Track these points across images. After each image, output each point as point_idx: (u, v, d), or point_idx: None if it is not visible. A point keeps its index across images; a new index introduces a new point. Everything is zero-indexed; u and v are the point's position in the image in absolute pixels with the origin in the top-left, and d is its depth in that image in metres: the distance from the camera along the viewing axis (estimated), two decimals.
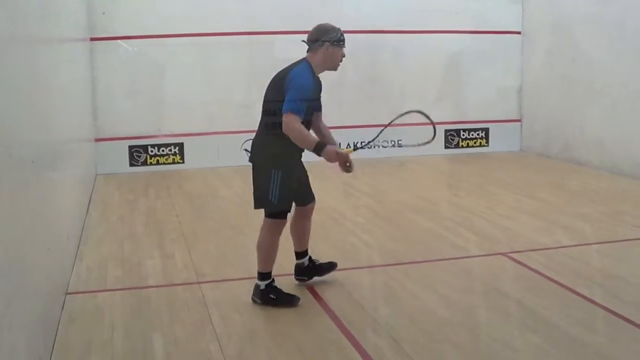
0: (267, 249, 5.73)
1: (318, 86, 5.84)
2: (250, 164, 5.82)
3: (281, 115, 5.47)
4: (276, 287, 5.77)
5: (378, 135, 5.96)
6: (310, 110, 5.66)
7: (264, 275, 5.73)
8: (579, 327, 5.25)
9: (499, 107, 13.90)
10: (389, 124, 5.98)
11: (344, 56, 5.77)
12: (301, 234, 6.12)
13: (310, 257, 6.24)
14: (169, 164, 12.28)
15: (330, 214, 8.70)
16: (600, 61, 11.56)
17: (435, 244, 7.47)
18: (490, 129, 13.87)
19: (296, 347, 4.96)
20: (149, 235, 7.98)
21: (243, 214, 8.87)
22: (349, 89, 12.48)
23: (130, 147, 12.11)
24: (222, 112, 12.41)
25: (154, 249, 7.41)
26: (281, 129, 5.47)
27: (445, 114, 12.75)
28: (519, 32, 13.76)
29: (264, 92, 5.82)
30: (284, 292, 5.78)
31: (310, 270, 6.22)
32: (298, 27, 12.36)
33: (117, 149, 12.03)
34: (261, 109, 5.83)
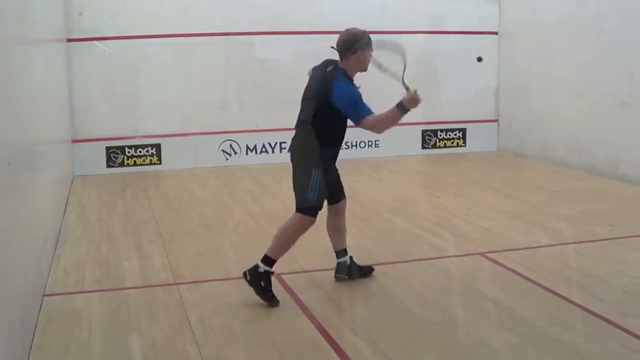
0: (286, 241, 5.84)
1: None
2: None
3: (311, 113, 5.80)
4: (270, 280, 5.79)
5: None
6: None
7: (270, 261, 5.78)
8: (556, 326, 5.27)
9: (476, 108, 13.97)
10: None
11: (371, 56, 5.95)
12: (337, 231, 6.29)
13: (351, 257, 6.32)
14: (146, 165, 12.23)
15: None
16: (578, 61, 11.64)
17: (413, 245, 7.48)
18: (467, 129, 13.93)
19: (274, 348, 4.95)
20: (126, 237, 7.94)
21: (220, 215, 8.90)
22: None
23: (108, 149, 12.05)
24: (198, 113, 12.39)
25: (132, 251, 7.37)
26: (315, 126, 5.78)
27: (423, 114, 12.78)
28: (496, 33, 13.83)
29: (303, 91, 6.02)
30: (271, 290, 5.79)
31: (351, 269, 6.28)
32: (274, 27, 12.45)
33: (94, 150, 11.96)
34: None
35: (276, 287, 5.95)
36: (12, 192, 4.80)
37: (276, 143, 12.72)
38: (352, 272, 6.28)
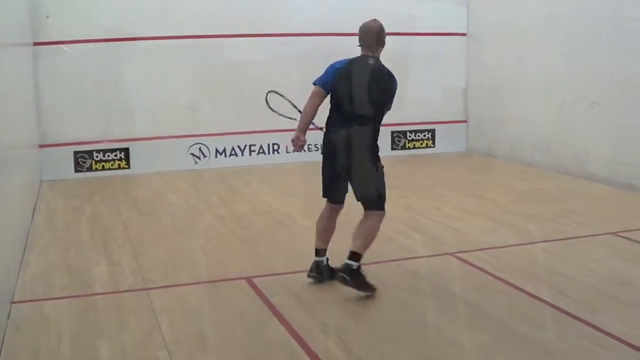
0: (374, 237, 6.04)
1: None
2: None
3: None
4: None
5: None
6: None
7: (358, 257, 5.96)
8: (526, 325, 5.31)
9: (445, 109, 14.05)
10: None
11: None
12: (330, 230, 6.45)
13: (327, 258, 6.40)
14: (114, 169, 12.14)
15: (278, 217, 8.71)
16: (547, 62, 11.74)
17: (383, 246, 7.45)
18: (436, 130, 14.00)
19: (246, 352, 4.94)
20: (95, 242, 7.88)
21: (190, 218, 8.85)
22: (295, 91, 12.46)
23: (75, 153, 11.95)
24: (167, 116, 12.32)
25: (101, 256, 7.31)
26: (376, 124, 6.04)
27: (392, 116, 12.70)
28: (464, 34, 13.91)
29: (358, 90, 6.04)
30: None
31: (324, 270, 6.35)
32: (245, 30, 12.42)
33: (62, 155, 11.86)
34: (361, 107, 6.01)
35: (246, 291, 5.94)
36: None
37: (245, 146, 12.70)
38: (323, 273, 6.29)
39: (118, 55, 12.04)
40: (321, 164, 6.22)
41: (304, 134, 6.10)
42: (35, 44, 11.51)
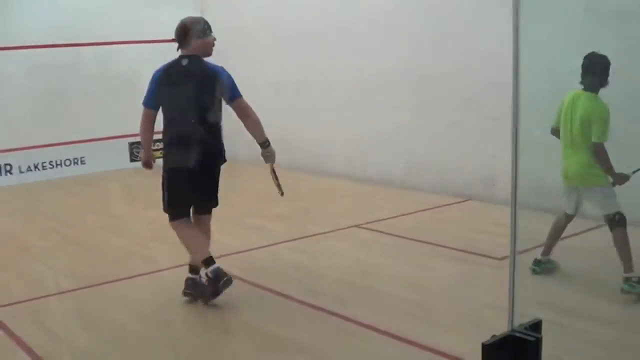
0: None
1: None
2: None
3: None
4: None
5: None
6: None
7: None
8: (279, 324, 5.33)
9: None
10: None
11: None
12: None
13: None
14: None
15: (14, 242, 8.17)
16: (279, 62, 12.01)
17: (128, 261, 7.22)
18: None
19: None
20: None
21: None
22: (32, 105, 11.93)
23: None
24: None
25: None
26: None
27: (129, 127, 12.47)
28: None
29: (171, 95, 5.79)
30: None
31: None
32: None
33: None
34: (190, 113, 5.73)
35: None
36: None
37: None
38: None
39: None
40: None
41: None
42: None
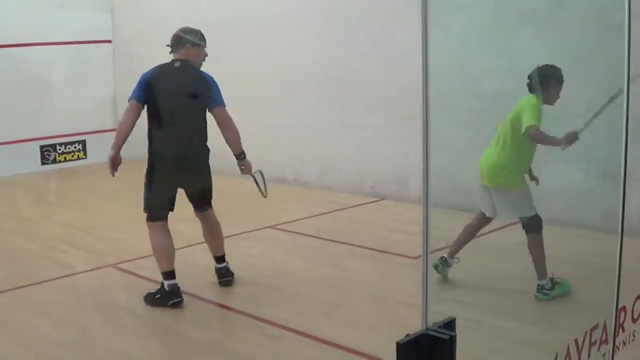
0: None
1: None
2: None
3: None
4: None
5: None
6: None
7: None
8: (194, 325, 5.31)
9: (95, 118, 13.57)
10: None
11: None
12: None
13: None
14: None
15: None
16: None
17: (39, 265, 7.05)
18: (87, 141, 13.53)
19: None
20: None
21: None
22: None
23: None
24: None
25: None
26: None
27: (40, 129, 12.27)
28: (109, 41, 13.63)
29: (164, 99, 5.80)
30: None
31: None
32: None
33: None
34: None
35: None
36: None
37: None
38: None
39: None
40: None
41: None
42: None
